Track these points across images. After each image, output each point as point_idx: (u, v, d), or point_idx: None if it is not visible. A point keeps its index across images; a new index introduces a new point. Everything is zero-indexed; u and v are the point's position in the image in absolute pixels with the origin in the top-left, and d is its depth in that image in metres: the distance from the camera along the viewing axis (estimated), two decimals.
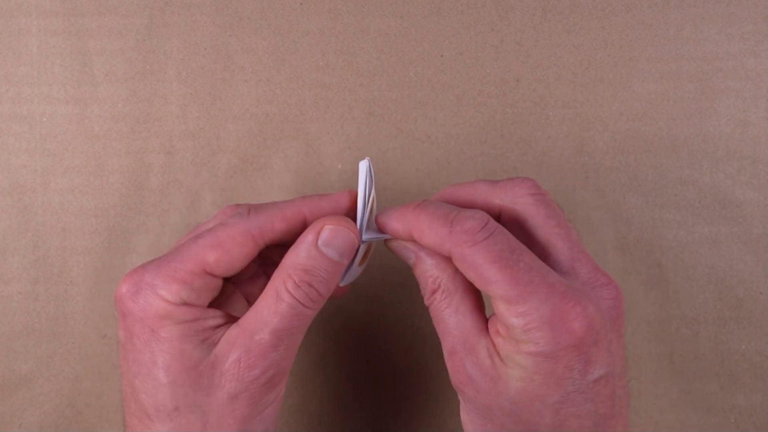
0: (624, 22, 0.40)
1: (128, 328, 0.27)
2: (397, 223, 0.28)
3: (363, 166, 0.29)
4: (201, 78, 0.40)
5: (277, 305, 0.27)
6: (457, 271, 0.28)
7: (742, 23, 0.40)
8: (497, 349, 0.26)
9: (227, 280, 0.32)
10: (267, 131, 0.40)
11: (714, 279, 0.40)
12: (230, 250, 0.27)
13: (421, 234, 0.27)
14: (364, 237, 0.30)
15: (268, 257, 0.32)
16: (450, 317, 0.28)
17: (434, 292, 0.28)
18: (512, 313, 0.25)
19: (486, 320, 0.28)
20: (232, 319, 0.28)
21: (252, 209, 0.29)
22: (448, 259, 0.28)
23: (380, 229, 0.30)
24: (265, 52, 0.40)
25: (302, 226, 0.29)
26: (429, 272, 0.28)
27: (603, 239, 0.40)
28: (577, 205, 0.40)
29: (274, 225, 0.28)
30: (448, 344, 0.28)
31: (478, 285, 0.26)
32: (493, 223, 0.26)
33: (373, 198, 0.30)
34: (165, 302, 0.26)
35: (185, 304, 0.27)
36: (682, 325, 0.40)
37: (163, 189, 0.40)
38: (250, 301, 0.32)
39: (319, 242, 0.28)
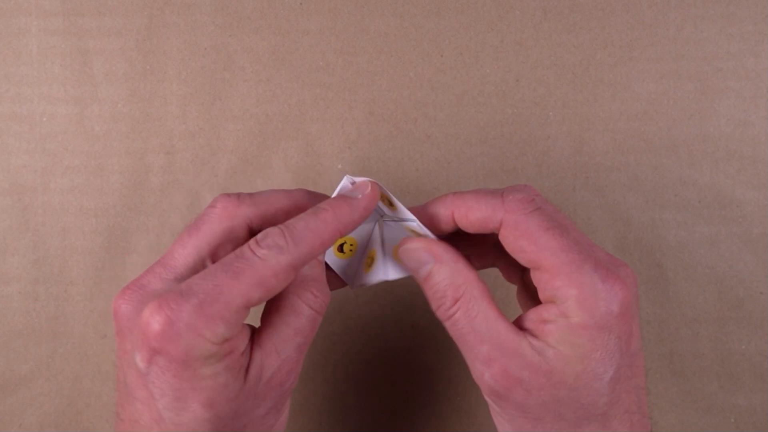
0: (624, 22, 0.40)
1: (160, 363, 0.26)
2: (436, 206, 0.29)
3: (346, 182, 0.29)
4: (201, 78, 0.40)
5: (297, 321, 0.27)
6: (477, 276, 0.28)
7: (742, 23, 0.40)
8: (545, 339, 0.26)
9: None
10: (267, 131, 0.40)
11: (714, 279, 0.40)
12: (275, 287, 0.26)
13: (467, 210, 0.28)
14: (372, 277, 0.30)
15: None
16: (479, 325, 0.27)
17: (457, 300, 0.27)
18: (565, 282, 0.25)
19: (513, 323, 0.28)
20: (249, 331, 0.28)
21: (289, 238, 0.27)
22: (468, 265, 0.28)
23: (417, 217, 0.29)
24: (265, 52, 0.40)
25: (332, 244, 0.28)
26: (450, 279, 0.27)
27: (603, 239, 0.40)
28: (577, 205, 0.40)
29: (314, 252, 0.27)
30: (482, 353, 0.27)
31: (529, 254, 0.26)
32: (541, 198, 0.27)
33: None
34: (210, 344, 0.25)
35: (226, 340, 0.26)
36: (682, 325, 0.40)
37: (163, 189, 0.40)
38: None
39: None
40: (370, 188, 0.28)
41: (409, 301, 0.40)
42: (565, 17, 0.40)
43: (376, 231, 0.31)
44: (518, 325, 0.28)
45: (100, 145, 0.40)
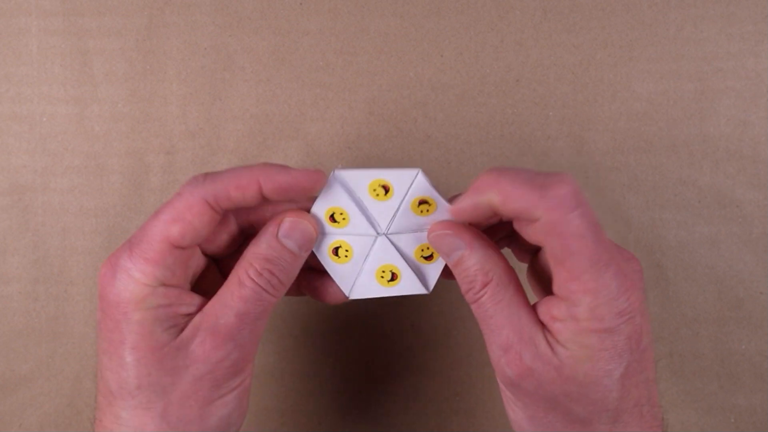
0: (624, 22, 0.40)
1: (104, 309, 0.28)
2: (472, 197, 0.27)
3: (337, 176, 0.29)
4: (201, 78, 0.40)
5: (240, 291, 0.28)
6: (507, 263, 0.28)
7: (742, 23, 0.40)
8: (556, 335, 0.27)
9: (221, 265, 0.33)
10: (267, 131, 0.40)
11: (714, 279, 0.40)
12: (191, 221, 0.27)
13: (504, 199, 0.26)
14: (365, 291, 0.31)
15: (252, 222, 0.33)
16: (503, 311, 0.27)
17: (486, 285, 0.28)
18: (581, 288, 0.25)
19: (535, 312, 0.28)
20: (199, 300, 0.29)
21: (209, 175, 0.28)
22: (498, 252, 0.28)
23: (454, 214, 0.29)
24: (265, 52, 0.40)
25: (258, 195, 0.28)
26: (480, 264, 0.28)
27: None
28: None
29: (229, 192, 0.28)
30: (501, 339, 0.27)
31: (556, 255, 0.26)
32: (582, 192, 0.26)
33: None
34: (141, 285, 0.27)
35: (162, 284, 0.27)
36: (682, 325, 0.40)
37: (163, 189, 0.40)
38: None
39: (279, 233, 0.29)
40: (313, 169, 0.29)
41: (409, 301, 0.40)
42: (565, 17, 0.40)
43: (384, 246, 0.30)
44: (539, 312, 0.28)
45: (100, 145, 0.40)
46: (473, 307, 0.29)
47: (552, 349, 0.26)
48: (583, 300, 0.25)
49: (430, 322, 0.40)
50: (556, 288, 0.27)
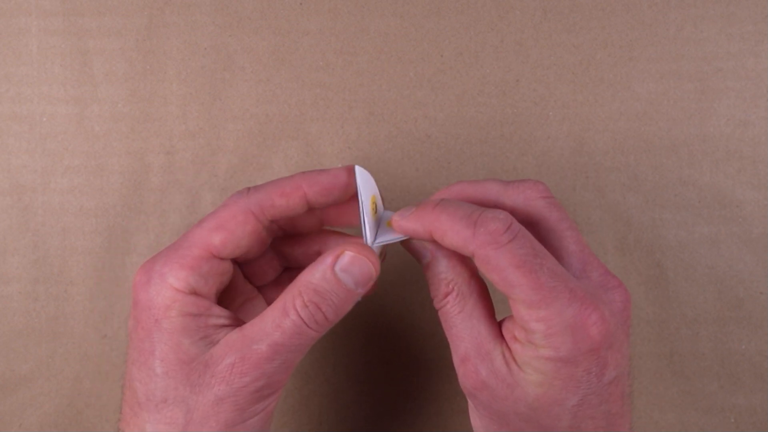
0: (624, 22, 0.40)
1: (136, 316, 0.27)
2: (416, 224, 0.28)
3: (358, 173, 0.29)
4: (201, 78, 0.40)
5: (281, 319, 0.27)
6: (472, 275, 0.28)
7: (742, 23, 0.40)
8: (513, 355, 0.26)
9: (252, 284, 0.32)
10: (267, 131, 0.40)
11: (714, 279, 0.40)
12: (234, 230, 0.27)
13: (442, 235, 0.27)
14: (378, 240, 0.29)
15: (290, 258, 0.33)
16: (463, 322, 0.27)
17: (447, 295, 0.28)
18: (534, 317, 0.25)
19: (499, 326, 0.28)
20: (237, 323, 0.28)
21: (252, 188, 0.29)
22: (464, 262, 0.28)
23: (398, 231, 0.29)
24: (265, 52, 0.40)
25: (302, 201, 0.28)
26: (443, 274, 0.28)
27: (603, 239, 0.40)
28: (577, 205, 0.40)
29: (273, 201, 0.28)
30: (460, 350, 0.27)
31: (500, 287, 0.26)
32: (517, 225, 0.26)
33: (376, 200, 0.30)
34: (173, 290, 0.26)
35: (194, 293, 0.27)
36: (682, 325, 0.40)
37: (163, 189, 0.40)
38: None
39: (337, 267, 0.27)
40: (347, 166, 0.29)
41: (409, 301, 0.40)
42: (565, 17, 0.40)
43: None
44: (504, 329, 0.28)
45: (100, 145, 0.40)
46: (439, 314, 0.29)
47: (508, 366, 0.26)
48: (537, 328, 0.25)
49: (430, 322, 0.40)
50: (513, 312, 0.26)
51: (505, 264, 0.25)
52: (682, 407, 0.40)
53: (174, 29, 0.40)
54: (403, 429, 0.40)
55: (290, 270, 0.34)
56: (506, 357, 0.26)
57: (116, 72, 0.40)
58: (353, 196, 0.30)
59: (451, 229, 0.26)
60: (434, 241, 0.28)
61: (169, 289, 0.26)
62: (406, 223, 0.28)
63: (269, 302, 0.32)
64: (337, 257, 0.27)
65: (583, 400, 0.26)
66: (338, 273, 0.27)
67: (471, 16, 0.40)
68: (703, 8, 0.40)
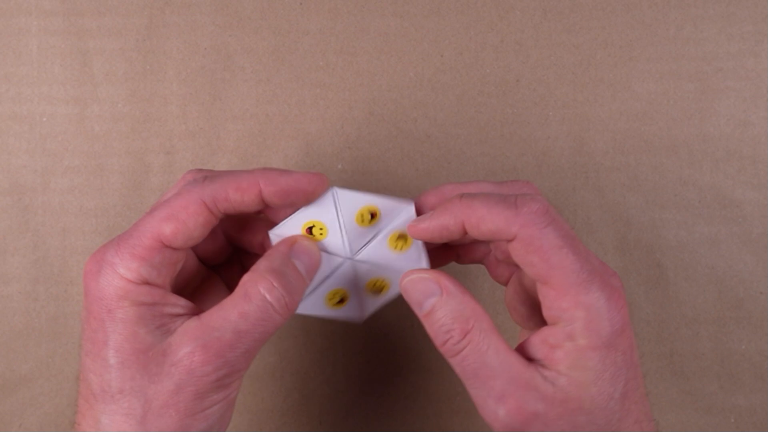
0: (624, 22, 0.40)
1: (87, 306, 0.27)
2: (443, 219, 0.27)
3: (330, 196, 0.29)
4: (201, 78, 0.40)
5: (244, 305, 0.26)
6: (484, 310, 0.27)
7: (742, 23, 0.40)
8: (556, 367, 0.26)
9: (208, 267, 0.32)
10: (267, 131, 0.40)
11: (714, 279, 0.40)
12: (185, 221, 0.26)
13: (478, 221, 0.26)
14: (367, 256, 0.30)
15: (239, 242, 0.32)
16: (492, 359, 0.26)
17: (466, 334, 0.26)
18: (572, 303, 0.25)
19: (521, 353, 0.27)
20: (194, 311, 0.27)
21: (208, 177, 0.28)
22: (475, 299, 0.27)
23: (418, 236, 0.28)
24: (265, 52, 0.40)
25: (257, 199, 0.27)
26: (458, 311, 0.26)
27: (603, 239, 0.40)
28: (577, 205, 0.40)
29: (228, 194, 0.27)
30: (495, 390, 0.26)
31: (537, 272, 0.25)
32: (553, 208, 0.26)
33: (374, 212, 0.30)
34: (124, 281, 0.26)
35: (146, 283, 0.26)
36: (682, 325, 0.40)
37: (163, 189, 0.40)
38: (231, 288, 0.30)
39: (291, 254, 0.28)
40: (315, 172, 0.28)
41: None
42: (565, 17, 0.40)
43: (346, 270, 0.30)
44: (524, 353, 0.27)
45: (100, 145, 0.40)
46: (453, 361, 0.27)
47: (553, 385, 0.25)
48: (577, 315, 0.25)
49: None
50: (547, 312, 0.26)
51: (549, 244, 0.25)
52: (682, 407, 0.40)
53: (174, 29, 0.40)
54: (403, 429, 0.40)
55: (241, 253, 0.33)
56: (546, 376, 0.26)
57: (116, 72, 0.40)
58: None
59: (489, 213, 0.26)
60: (443, 273, 0.27)
61: (121, 279, 0.26)
62: (431, 222, 0.27)
63: (226, 282, 0.32)
64: (291, 245, 0.28)
65: (626, 387, 0.26)
66: (293, 260, 0.28)
67: (471, 16, 0.40)
68: (703, 8, 0.40)
